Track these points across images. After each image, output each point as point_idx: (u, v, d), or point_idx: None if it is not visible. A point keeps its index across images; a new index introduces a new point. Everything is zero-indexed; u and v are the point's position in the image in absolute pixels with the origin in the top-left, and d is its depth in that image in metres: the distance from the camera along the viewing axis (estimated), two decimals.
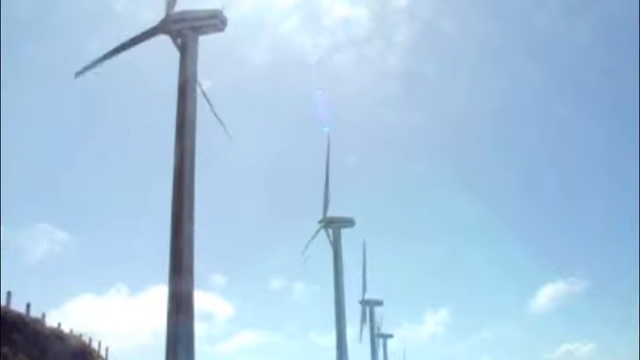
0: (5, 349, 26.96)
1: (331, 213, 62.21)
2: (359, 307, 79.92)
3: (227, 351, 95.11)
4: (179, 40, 33.02)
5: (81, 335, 36.24)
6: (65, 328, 34.75)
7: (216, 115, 34.86)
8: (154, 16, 33.62)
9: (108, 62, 34.33)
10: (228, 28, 33.56)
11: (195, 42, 33.01)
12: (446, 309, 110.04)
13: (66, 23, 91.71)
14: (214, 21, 33.14)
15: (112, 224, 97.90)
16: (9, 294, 30.48)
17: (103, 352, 38.53)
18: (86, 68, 34.21)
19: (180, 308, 28.52)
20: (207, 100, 34.46)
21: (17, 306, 30.96)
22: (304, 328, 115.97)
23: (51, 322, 34.03)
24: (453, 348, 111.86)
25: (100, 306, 74.31)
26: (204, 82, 34.24)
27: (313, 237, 60.86)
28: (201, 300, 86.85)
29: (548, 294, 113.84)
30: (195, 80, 32.75)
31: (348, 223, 62.58)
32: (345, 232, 62.22)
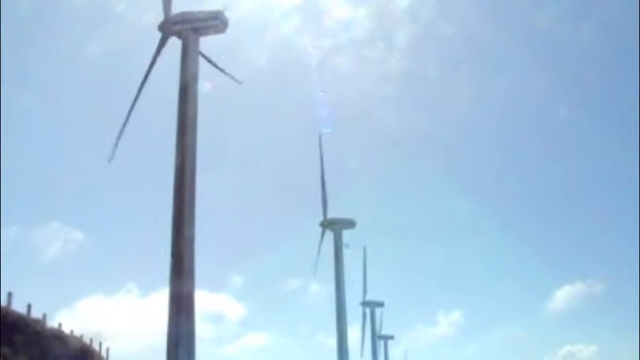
0: (6, 350, 26.99)
1: (332, 214, 62.25)
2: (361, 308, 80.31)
3: (232, 352, 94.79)
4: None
5: (82, 336, 36.29)
6: (66, 329, 34.79)
7: (218, 68, 34.57)
8: (154, 17, 33.60)
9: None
10: (229, 29, 33.53)
11: (197, 43, 33.00)
12: (459, 311, 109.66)
13: (66, 24, 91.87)
14: (215, 22, 33.06)
15: (125, 224, 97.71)
16: (10, 295, 30.49)
17: (104, 353, 38.60)
18: (118, 138, 32.78)
19: (181, 310, 28.48)
20: (208, 59, 34.21)
21: (23, 305, 31.02)
22: (314, 329, 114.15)
23: (56, 322, 34.14)
24: (462, 350, 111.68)
25: (109, 306, 74.44)
26: (205, 83, 34.17)
27: (320, 242, 61.11)
28: (213, 301, 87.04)
29: (563, 296, 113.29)
30: (196, 81, 32.69)
31: (349, 224, 62.59)
32: (346, 234, 62.28)
